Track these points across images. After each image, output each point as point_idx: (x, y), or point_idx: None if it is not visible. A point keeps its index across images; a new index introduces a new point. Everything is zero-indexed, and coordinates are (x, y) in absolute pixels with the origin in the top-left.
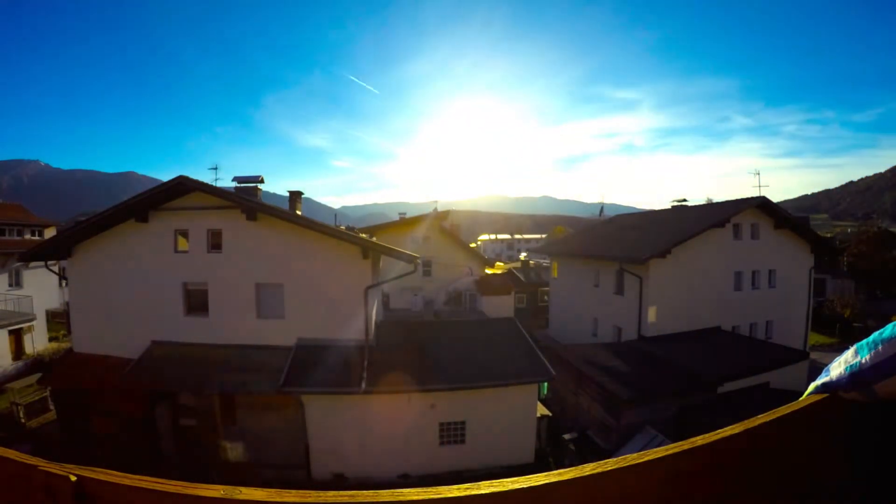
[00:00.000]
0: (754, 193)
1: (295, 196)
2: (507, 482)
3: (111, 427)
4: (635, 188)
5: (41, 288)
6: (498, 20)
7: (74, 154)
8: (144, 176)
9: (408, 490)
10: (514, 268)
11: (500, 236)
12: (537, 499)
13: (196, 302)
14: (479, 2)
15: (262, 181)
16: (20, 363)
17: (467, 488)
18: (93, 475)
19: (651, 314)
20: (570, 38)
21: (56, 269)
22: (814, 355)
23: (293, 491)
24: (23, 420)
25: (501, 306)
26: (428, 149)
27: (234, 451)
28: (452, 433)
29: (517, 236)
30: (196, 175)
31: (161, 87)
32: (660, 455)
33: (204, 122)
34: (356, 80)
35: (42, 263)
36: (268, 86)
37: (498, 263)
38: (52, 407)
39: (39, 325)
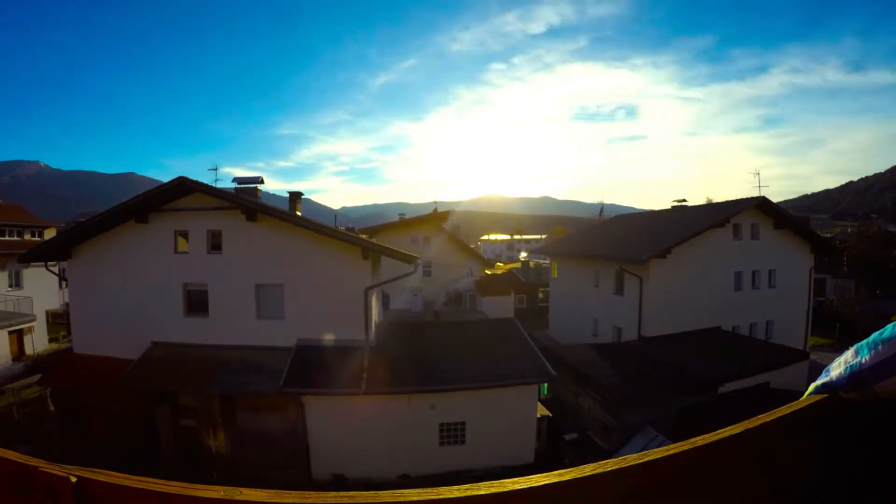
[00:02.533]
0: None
1: (295, 197)
2: (507, 482)
3: (111, 427)
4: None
5: (41, 288)
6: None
7: (74, 155)
8: (144, 177)
9: (408, 490)
10: (514, 268)
11: (500, 236)
12: (537, 499)
13: (196, 302)
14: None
15: (261, 181)
16: (20, 363)
17: (467, 488)
18: (93, 476)
19: (651, 314)
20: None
21: (56, 269)
22: (814, 355)
23: (293, 492)
24: (22, 420)
25: (501, 307)
26: (428, 149)
27: (234, 451)
28: (452, 434)
29: (517, 236)
30: (196, 176)
31: (161, 87)
32: (660, 455)
33: (206, 120)
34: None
35: (42, 264)
36: (262, 89)
37: (498, 264)
38: (52, 407)
39: (39, 325)
